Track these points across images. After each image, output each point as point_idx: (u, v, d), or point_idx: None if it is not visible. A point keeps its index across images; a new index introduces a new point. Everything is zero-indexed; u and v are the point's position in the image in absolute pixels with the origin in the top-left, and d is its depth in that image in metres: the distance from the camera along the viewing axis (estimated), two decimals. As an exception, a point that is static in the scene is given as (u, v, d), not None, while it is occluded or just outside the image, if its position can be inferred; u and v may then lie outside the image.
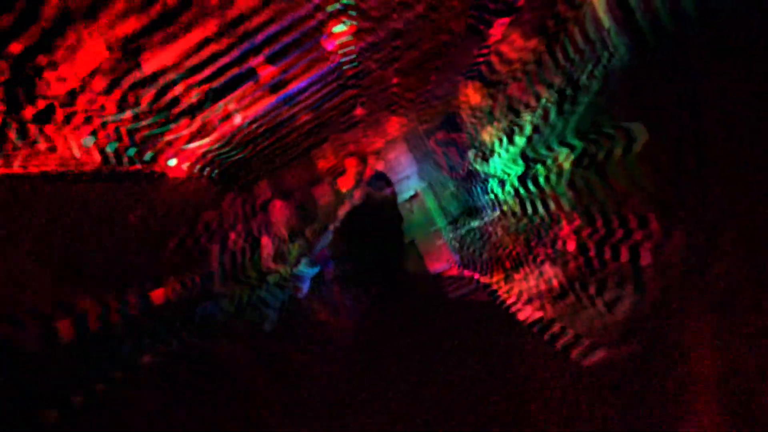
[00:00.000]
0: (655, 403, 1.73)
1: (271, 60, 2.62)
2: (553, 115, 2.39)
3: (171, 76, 2.24)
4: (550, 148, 2.49)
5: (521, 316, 2.88)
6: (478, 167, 4.02)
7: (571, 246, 2.75)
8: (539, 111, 2.60)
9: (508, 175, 3.26)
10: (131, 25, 2.06)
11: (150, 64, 2.21)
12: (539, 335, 2.20)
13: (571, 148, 2.24)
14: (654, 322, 1.89)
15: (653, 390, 1.76)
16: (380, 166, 5.05)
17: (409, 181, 5.24)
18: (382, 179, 4.70)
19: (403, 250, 4.60)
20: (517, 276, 3.34)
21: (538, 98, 2.64)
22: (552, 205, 2.74)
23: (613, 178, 2.02)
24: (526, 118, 2.82)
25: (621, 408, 1.77)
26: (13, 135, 2.16)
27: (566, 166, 2.34)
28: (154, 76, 2.21)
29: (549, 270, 3.14)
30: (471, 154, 4.12)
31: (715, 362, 1.61)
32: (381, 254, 4.31)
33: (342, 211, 4.49)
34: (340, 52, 3.25)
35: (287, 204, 4.43)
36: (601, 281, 2.12)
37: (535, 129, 2.71)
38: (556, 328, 2.18)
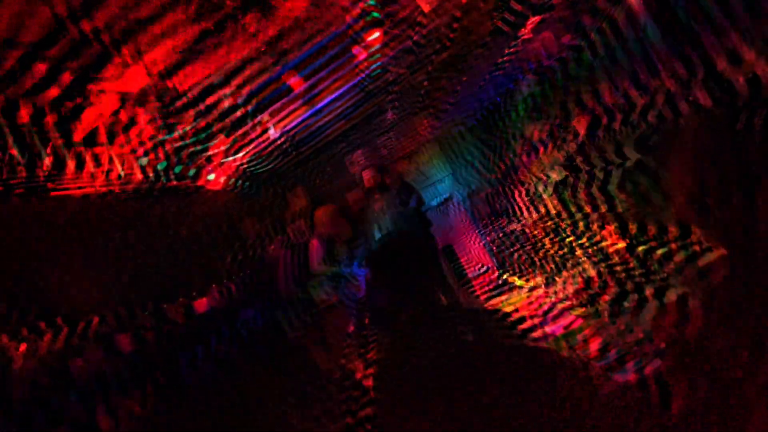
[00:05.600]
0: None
1: (306, 75, 2.66)
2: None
3: (214, 96, 2.31)
4: (603, 156, 2.40)
5: (563, 321, 2.83)
6: (516, 165, 3.95)
7: (618, 245, 2.68)
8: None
9: (548, 176, 3.20)
10: (171, 48, 2.12)
11: (193, 86, 2.29)
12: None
13: (624, 158, 2.17)
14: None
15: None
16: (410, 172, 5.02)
17: (443, 184, 5.19)
18: (407, 190, 4.59)
19: (439, 275, 4.43)
20: (558, 279, 3.28)
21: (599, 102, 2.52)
22: (594, 208, 2.67)
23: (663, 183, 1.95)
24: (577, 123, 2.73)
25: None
26: (65, 159, 2.28)
27: (616, 173, 2.27)
28: (199, 97, 2.28)
29: (591, 270, 3.07)
30: (512, 147, 4.03)
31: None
32: (414, 281, 4.16)
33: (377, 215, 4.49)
34: (372, 59, 3.26)
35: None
36: (658, 282, 2.04)
37: (589, 135, 2.60)
38: (602, 339, 2.12)
